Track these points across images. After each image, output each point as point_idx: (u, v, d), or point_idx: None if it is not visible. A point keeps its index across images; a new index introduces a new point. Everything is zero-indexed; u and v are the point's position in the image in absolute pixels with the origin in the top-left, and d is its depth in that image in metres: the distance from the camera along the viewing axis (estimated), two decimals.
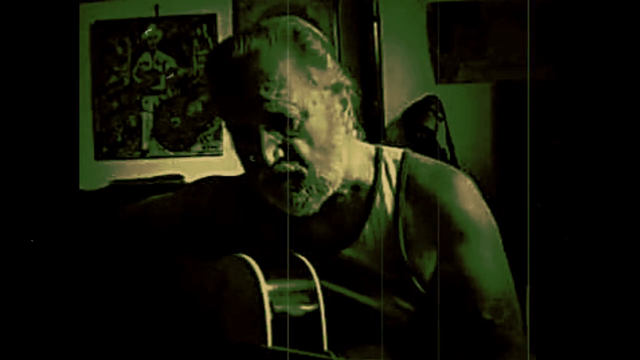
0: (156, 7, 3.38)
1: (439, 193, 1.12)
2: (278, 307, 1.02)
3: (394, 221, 1.13)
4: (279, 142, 1.05)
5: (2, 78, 0.93)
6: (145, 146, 3.40)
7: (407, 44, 3.27)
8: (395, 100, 3.23)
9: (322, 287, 1.06)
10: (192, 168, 3.26)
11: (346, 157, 1.12)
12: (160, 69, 3.39)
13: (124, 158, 3.39)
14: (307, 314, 1.04)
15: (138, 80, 3.40)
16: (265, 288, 1.02)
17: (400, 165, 1.16)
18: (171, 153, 3.39)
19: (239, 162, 1.12)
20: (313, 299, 1.05)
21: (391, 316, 1.11)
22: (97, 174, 3.32)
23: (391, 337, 1.12)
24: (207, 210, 1.24)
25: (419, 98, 3.19)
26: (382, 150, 1.19)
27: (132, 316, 1.23)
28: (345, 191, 1.15)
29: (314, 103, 1.06)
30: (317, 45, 1.08)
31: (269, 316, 1.00)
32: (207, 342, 1.12)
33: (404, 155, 1.18)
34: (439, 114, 3.15)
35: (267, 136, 1.04)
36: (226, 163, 2.89)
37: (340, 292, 1.12)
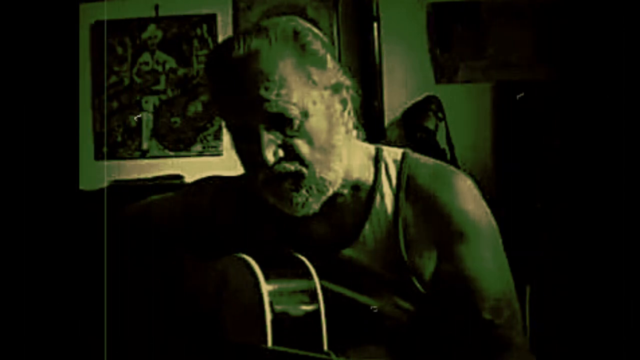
0: (156, 7, 3.38)
1: (439, 193, 1.12)
2: (278, 307, 1.02)
3: (394, 221, 1.13)
4: (279, 142, 1.05)
5: (2, 78, 0.93)
6: (145, 146, 3.40)
7: (407, 44, 3.26)
8: (395, 100, 3.23)
9: (322, 287, 1.06)
10: (192, 168, 3.26)
11: (346, 157, 1.12)
12: (160, 69, 3.39)
13: (124, 158, 3.39)
14: (307, 314, 1.04)
15: (138, 80, 3.39)
16: (265, 288, 1.02)
17: (400, 165, 1.16)
18: (171, 153, 3.38)
19: (239, 162, 1.12)
20: (313, 299, 1.05)
21: (391, 316, 1.11)
22: (97, 174, 3.32)
23: (391, 337, 1.12)
24: (207, 210, 1.24)
25: (419, 98, 3.19)
26: (382, 150, 1.19)
27: (132, 316, 1.23)
28: (345, 191, 1.15)
29: (314, 103, 1.06)
30: (317, 45, 1.08)
31: (269, 316, 1.00)
32: (207, 342, 1.12)
33: (404, 155, 1.18)
34: (439, 114, 3.15)
35: (267, 136, 1.04)
36: (226, 163, 2.88)
37: (340, 292, 1.12)
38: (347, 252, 1.13)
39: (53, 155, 0.94)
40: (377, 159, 1.17)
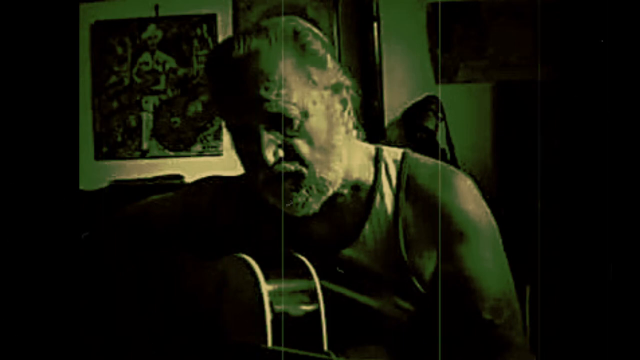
0: (156, 7, 3.38)
1: (439, 193, 1.12)
2: (278, 307, 1.02)
3: (394, 221, 1.13)
4: (279, 142, 1.05)
5: (2, 78, 0.93)
6: (145, 146, 3.40)
7: (407, 44, 3.27)
8: (395, 100, 3.23)
9: (322, 287, 1.06)
10: (192, 168, 3.26)
11: (346, 157, 1.12)
12: (160, 69, 3.39)
13: (124, 158, 3.39)
14: (307, 314, 1.04)
15: (138, 80, 3.40)
16: (265, 288, 1.02)
17: (400, 165, 1.16)
18: (171, 153, 3.39)
19: (239, 162, 1.12)
20: (313, 299, 1.05)
21: (391, 316, 1.11)
22: (97, 174, 3.32)
23: (391, 337, 1.12)
24: (207, 210, 1.24)
25: (419, 98, 3.19)
26: (382, 150, 1.19)
27: (132, 316, 1.23)
28: (345, 191, 1.15)
29: (314, 103, 1.06)
30: (317, 45, 1.08)
31: (269, 316, 1.00)
32: (207, 342, 1.12)
33: (404, 155, 1.18)
34: (439, 114, 3.15)
35: (267, 136, 1.04)
36: (226, 163, 2.89)
37: (340, 292, 1.12)
38: (347, 252, 1.13)
39: (53, 155, 0.94)
40: (377, 159, 1.17)
